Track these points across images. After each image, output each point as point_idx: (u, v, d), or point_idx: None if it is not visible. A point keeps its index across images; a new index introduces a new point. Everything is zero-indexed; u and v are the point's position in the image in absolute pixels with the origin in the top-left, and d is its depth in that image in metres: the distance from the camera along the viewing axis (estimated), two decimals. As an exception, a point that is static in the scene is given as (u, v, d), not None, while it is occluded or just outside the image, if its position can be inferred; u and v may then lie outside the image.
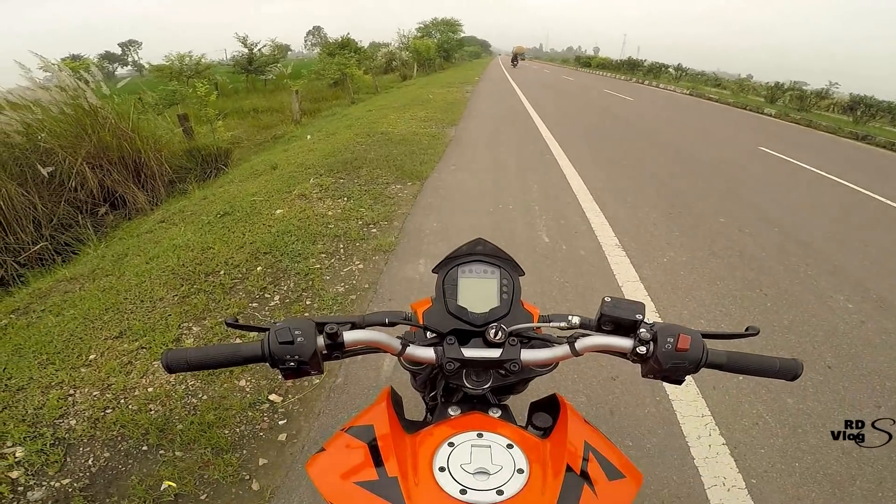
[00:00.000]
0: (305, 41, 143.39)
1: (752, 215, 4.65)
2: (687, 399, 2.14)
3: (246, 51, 22.17)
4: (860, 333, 2.76)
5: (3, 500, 1.57)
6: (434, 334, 0.77)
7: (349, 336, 0.68)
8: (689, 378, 2.31)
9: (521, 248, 3.57)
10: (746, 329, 0.71)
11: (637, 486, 0.66)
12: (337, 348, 0.68)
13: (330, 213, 3.96)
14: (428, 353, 0.73)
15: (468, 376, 0.75)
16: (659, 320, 0.70)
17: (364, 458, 0.67)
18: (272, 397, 2.08)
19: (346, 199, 4.28)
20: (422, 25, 47.40)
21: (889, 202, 5.63)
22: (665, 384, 2.19)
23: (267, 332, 0.65)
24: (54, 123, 5.06)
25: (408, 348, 0.73)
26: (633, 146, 7.86)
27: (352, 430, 0.72)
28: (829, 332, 2.76)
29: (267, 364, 0.65)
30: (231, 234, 3.54)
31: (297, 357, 0.63)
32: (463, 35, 52.93)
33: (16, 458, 1.72)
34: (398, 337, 0.74)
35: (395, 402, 0.82)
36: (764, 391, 2.22)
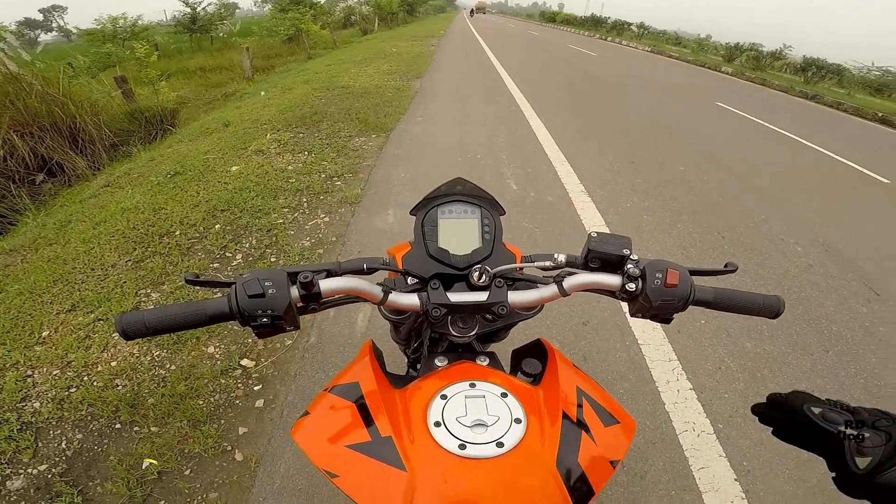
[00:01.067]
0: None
1: (711, 164, 4.73)
2: (654, 343, 2.18)
3: (189, 10, 20.81)
4: (808, 277, 2.87)
5: None
6: (416, 280, 0.73)
7: (326, 285, 0.62)
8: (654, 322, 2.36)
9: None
10: (725, 265, 0.69)
11: (631, 433, 0.64)
12: (313, 299, 0.61)
13: (290, 167, 3.76)
14: (412, 300, 0.68)
15: (454, 323, 0.72)
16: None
17: (353, 418, 0.62)
18: (244, 362, 1.99)
19: (306, 153, 4.06)
20: None
21: (832, 154, 5.82)
22: (650, 323, 2.22)
23: (233, 286, 0.58)
24: None
25: (390, 296, 0.67)
26: (597, 99, 7.81)
27: (336, 389, 0.67)
28: (781, 276, 2.86)
29: (236, 323, 0.56)
30: (184, 193, 3.31)
31: (269, 311, 0.57)
32: None
33: None
34: (378, 284, 0.67)
35: (377, 356, 0.77)
36: (724, 335, 2.27)
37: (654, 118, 6.63)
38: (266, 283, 0.57)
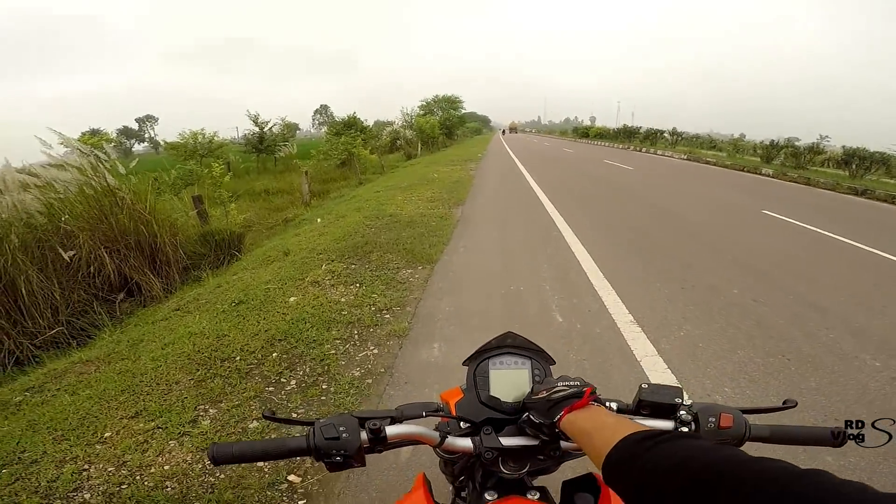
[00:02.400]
0: (313, 119, 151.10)
1: (764, 284, 4.68)
2: None
3: (257, 129, 22.68)
4: (892, 389, 2.77)
5: None
6: (468, 424, 0.79)
7: (391, 430, 0.71)
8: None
9: (536, 328, 3.61)
10: (784, 402, 0.73)
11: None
12: (379, 442, 0.70)
13: (343, 299, 4.05)
14: (466, 444, 0.74)
15: (505, 462, 0.76)
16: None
17: None
18: (291, 478, 2.06)
19: (358, 284, 4.38)
20: (424, 103, 48.53)
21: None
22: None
23: (311, 428, 0.67)
24: (74, 204, 5.04)
25: (447, 440, 0.74)
26: (640, 219, 7.96)
27: None
28: (860, 392, 2.78)
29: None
30: (245, 321, 3.60)
31: (342, 452, 0.66)
32: (464, 111, 54.40)
33: None
34: (435, 428, 0.76)
35: (428, 487, 0.84)
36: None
37: (701, 238, 6.66)
38: (341, 429, 0.66)
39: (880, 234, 6.67)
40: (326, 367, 3.02)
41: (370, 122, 30.48)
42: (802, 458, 2.18)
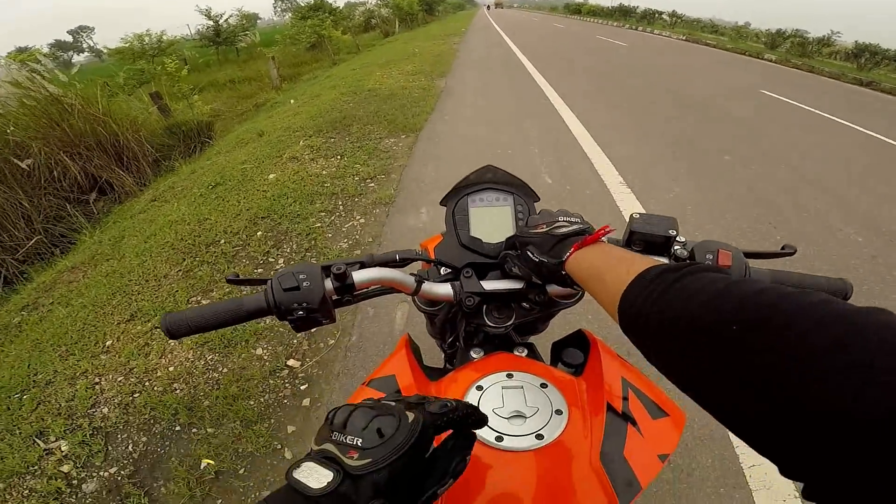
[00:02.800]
0: (275, 7, 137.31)
1: (758, 154, 4.50)
2: None
3: (211, 23, 21.17)
4: (872, 268, 2.70)
5: (63, 495, 1.57)
6: (449, 270, 0.71)
7: (359, 276, 0.62)
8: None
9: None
10: (783, 248, 0.65)
11: (681, 425, 0.60)
12: (346, 290, 0.61)
13: (324, 172, 3.83)
14: (445, 290, 0.67)
15: (489, 313, 0.70)
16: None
17: None
18: (290, 363, 2.06)
19: (339, 157, 4.13)
20: None
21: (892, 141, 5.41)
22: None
23: (269, 281, 0.58)
24: (18, 117, 4.82)
25: (423, 285, 0.66)
26: (631, 90, 7.56)
27: (373, 382, 0.67)
28: (842, 266, 2.72)
29: (282, 326, 0.57)
30: (226, 203, 3.42)
31: (304, 304, 0.57)
32: None
33: (62, 451, 1.71)
34: (412, 274, 0.67)
35: (414, 350, 0.77)
36: None
37: (696, 111, 6.31)
38: (300, 277, 0.57)
39: (879, 120, 6.26)
40: (313, 242, 2.91)
41: (340, 4, 27.65)
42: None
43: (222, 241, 2.96)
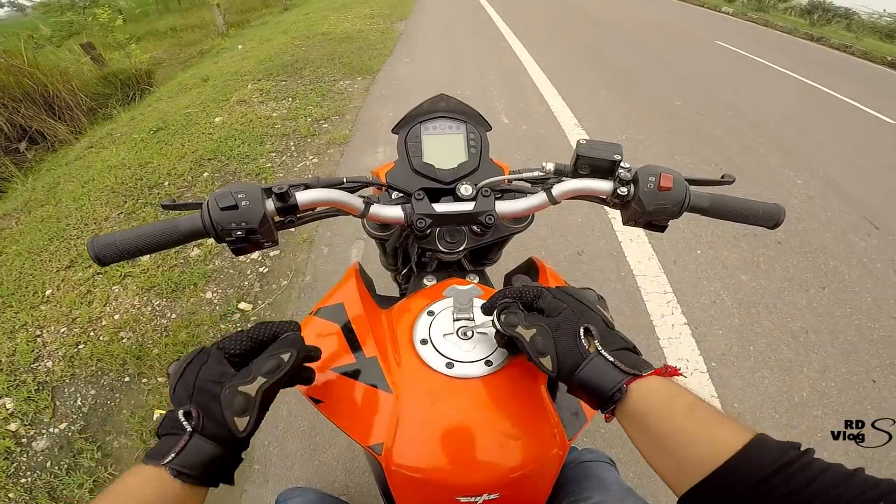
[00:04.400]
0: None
1: (708, 100, 4.58)
2: (650, 275, 2.16)
3: None
4: (808, 209, 2.82)
5: (13, 454, 1.50)
6: (401, 195, 0.69)
7: (302, 196, 0.58)
8: (650, 251, 2.28)
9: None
10: (722, 176, 0.66)
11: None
12: (289, 211, 0.58)
13: (275, 114, 3.65)
14: (395, 212, 0.65)
15: (441, 237, 0.69)
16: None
17: (338, 341, 0.60)
18: (242, 305, 2.00)
19: (290, 99, 3.94)
20: None
21: (834, 93, 5.54)
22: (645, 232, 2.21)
23: (206, 201, 0.54)
24: None
25: (372, 208, 0.64)
26: (589, 37, 7.47)
27: (321, 311, 0.65)
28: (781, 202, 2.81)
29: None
30: (169, 147, 3.24)
31: (243, 224, 0.53)
32: None
33: (7, 409, 1.63)
34: (360, 196, 0.64)
35: (366, 280, 0.75)
36: (720, 267, 2.25)
37: (652, 59, 6.31)
38: (239, 196, 0.53)
39: (825, 74, 6.44)
40: (263, 181, 2.80)
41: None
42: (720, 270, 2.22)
43: (166, 183, 2.82)
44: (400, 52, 5.58)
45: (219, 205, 0.53)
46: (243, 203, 0.53)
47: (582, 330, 0.45)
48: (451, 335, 0.57)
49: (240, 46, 6.45)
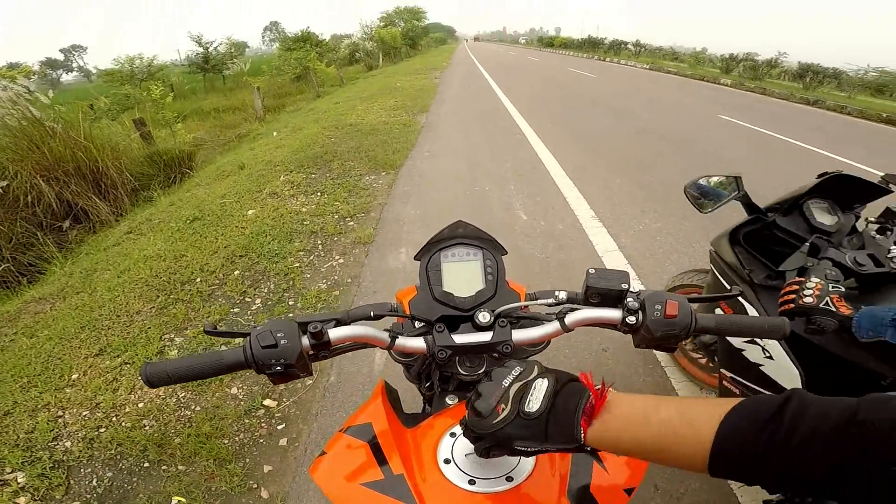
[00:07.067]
0: (263, 37, 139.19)
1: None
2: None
3: (201, 50, 21.52)
4: None
5: None
6: (422, 323, 0.75)
7: (334, 333, 0.65)
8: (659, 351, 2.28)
9: (500, 227, 3.58)
10: (731, 288, 0.72)
11: (646, 461, 0.65)
12: (323, 347, 0.64)
13: (304, 209, 3.88)
14: (418, 344, 0.70)
15: (461, 363, 0.74)
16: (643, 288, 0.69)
17: (367, 457, 0.66)
18: (267, 402, 2.04)
19: (319, 193, 4.19)
20: (385, 15, 47.36)
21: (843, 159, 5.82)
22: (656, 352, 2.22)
23: (248, 338, 0.61)
24: None
25: (397, 340, 0.70)
26: (599, 121, 7.93)
27: (350, 430, 0.71)
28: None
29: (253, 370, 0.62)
30: (203, 239, 3.43)
31: (282, 360, 0.60)
32: (427, 22, 53.39)
33: (18, 483, 1.66)
34: (386, 329, 0.71)
35: (391, 395, 0.81)
36: None
37: (661, 141, 6.62)
38: (278, 335, 0.60)
39: (829, 141, 6.89)
40: (291, 282, 2.92)
41: (326, 37, 28.36)
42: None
43: (198, 279, 2.96)
44: (422, 145, 5.98)
45: (260, 343, 0.59)
46: (282, 342, 0.60)
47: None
48: (472, 455, 0.61)
49: (275, 133, 6.97)
